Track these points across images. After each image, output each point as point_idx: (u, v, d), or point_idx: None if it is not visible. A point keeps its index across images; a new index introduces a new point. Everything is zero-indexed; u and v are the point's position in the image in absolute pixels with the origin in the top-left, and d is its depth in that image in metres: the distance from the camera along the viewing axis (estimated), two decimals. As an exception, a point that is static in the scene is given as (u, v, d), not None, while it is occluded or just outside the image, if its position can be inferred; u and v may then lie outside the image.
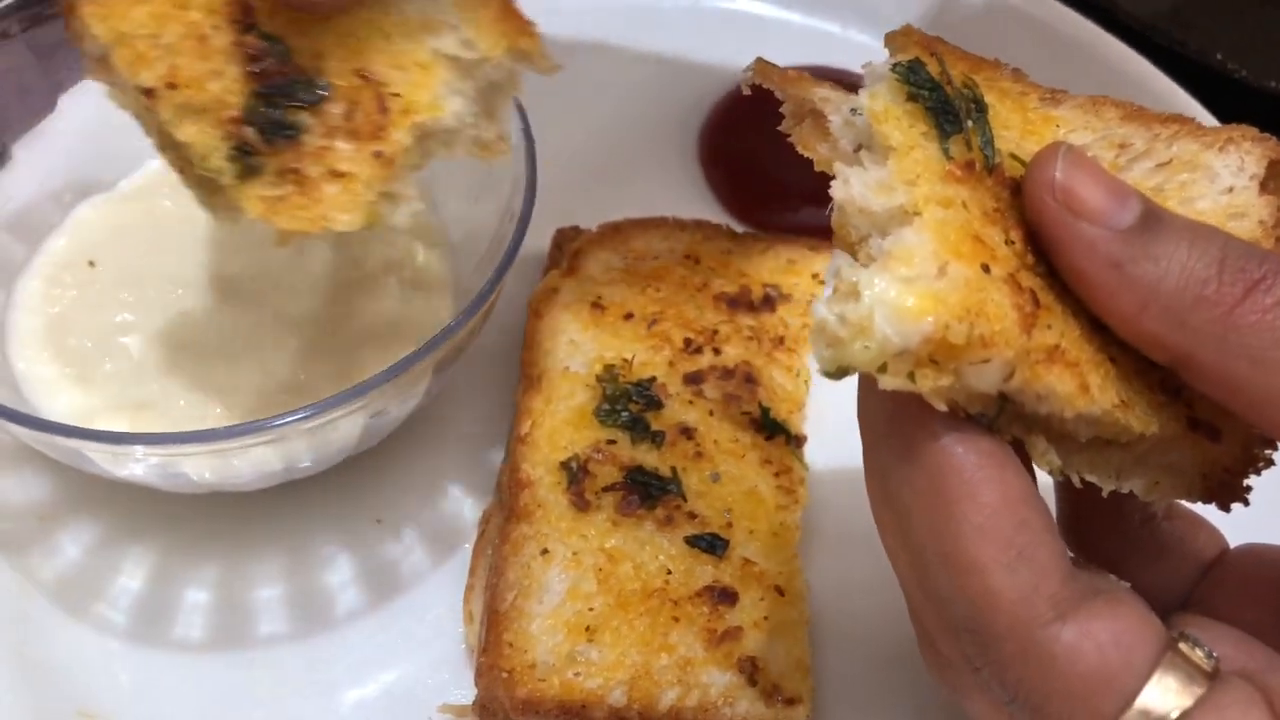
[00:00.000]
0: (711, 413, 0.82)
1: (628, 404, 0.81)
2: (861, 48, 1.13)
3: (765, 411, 0.82)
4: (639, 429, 0.80)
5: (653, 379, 0.82)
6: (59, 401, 0.73)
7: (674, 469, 0.78)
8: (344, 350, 0.77)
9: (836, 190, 0.51)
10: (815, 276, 0.90)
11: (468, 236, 0.85)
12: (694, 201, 1.01)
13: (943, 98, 0.52)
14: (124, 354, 0.75)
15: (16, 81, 0.79)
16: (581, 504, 0.76)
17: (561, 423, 0.80)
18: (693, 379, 0.83)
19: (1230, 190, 0.54)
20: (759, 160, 1.05)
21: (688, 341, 0.85)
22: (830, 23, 1.14)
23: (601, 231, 0.91)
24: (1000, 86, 0.57)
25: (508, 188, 0.80)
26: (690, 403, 0.82)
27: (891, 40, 0.56)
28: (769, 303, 0.88)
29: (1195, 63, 1.06)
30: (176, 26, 0.60)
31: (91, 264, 0.79)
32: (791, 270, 0.90)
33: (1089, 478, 0.53)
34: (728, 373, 0.84)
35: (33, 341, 0.75)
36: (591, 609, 0.72)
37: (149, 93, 0.59)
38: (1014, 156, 0.53)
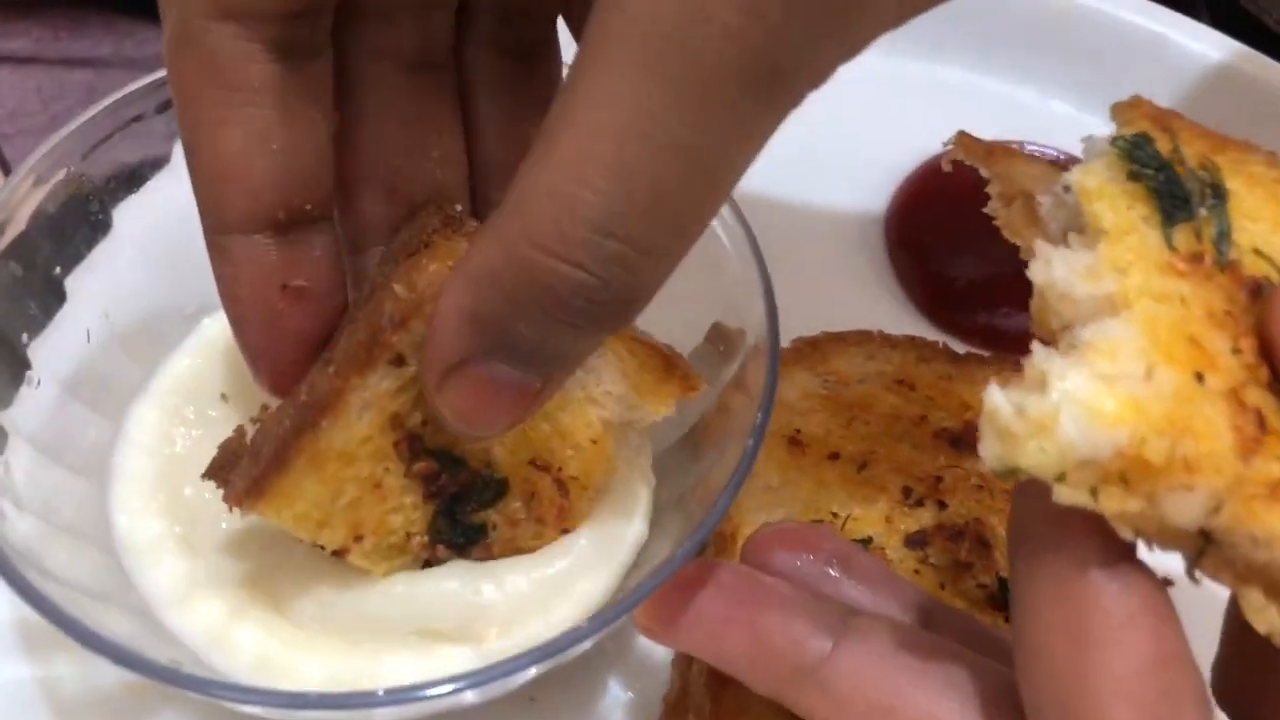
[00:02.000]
0: (942, 586, 0.68)
1: (840, 572, 0.67)
2: (1065, 119, 1.00)
3: (1003, 583, 0.68)
4: (857, 606, 0.66)
5: (869, 539, 0.69)
6: (159, 570, 0.60)
7: (903, 661, 0.64)
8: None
9: (1036, 272, 0.46)
10: (1054, 410, 0.76)
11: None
12: (881, 299, 0.88)
13: (1171, 178, 0.47)
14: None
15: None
16: (796, 705, 0.63)
17: (764, 596, 0.66)
18: (916, 541, 0.70)
19: None
20: (955, 250, 0.91)
21: (907, 491, 0.71)
22: (1028, 90, 1.01)
23: (796, 348, 0.78)
24: (1250, 172, 0.50)
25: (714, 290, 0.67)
26: (915, 571, 0.68)
27: (1118, 112, 0.52)
28: (999, 442, 0.74)
29: None
30: (350, 486, 0.57)
31: (224, 397, 0.67)
32: (1025, 401, 0.76)
33: None
34: (957, 533, 0.70)
35: (141, 490, 0.63)
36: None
37: (339, 553, 0.57)
38: (1259, 253, 0.47)
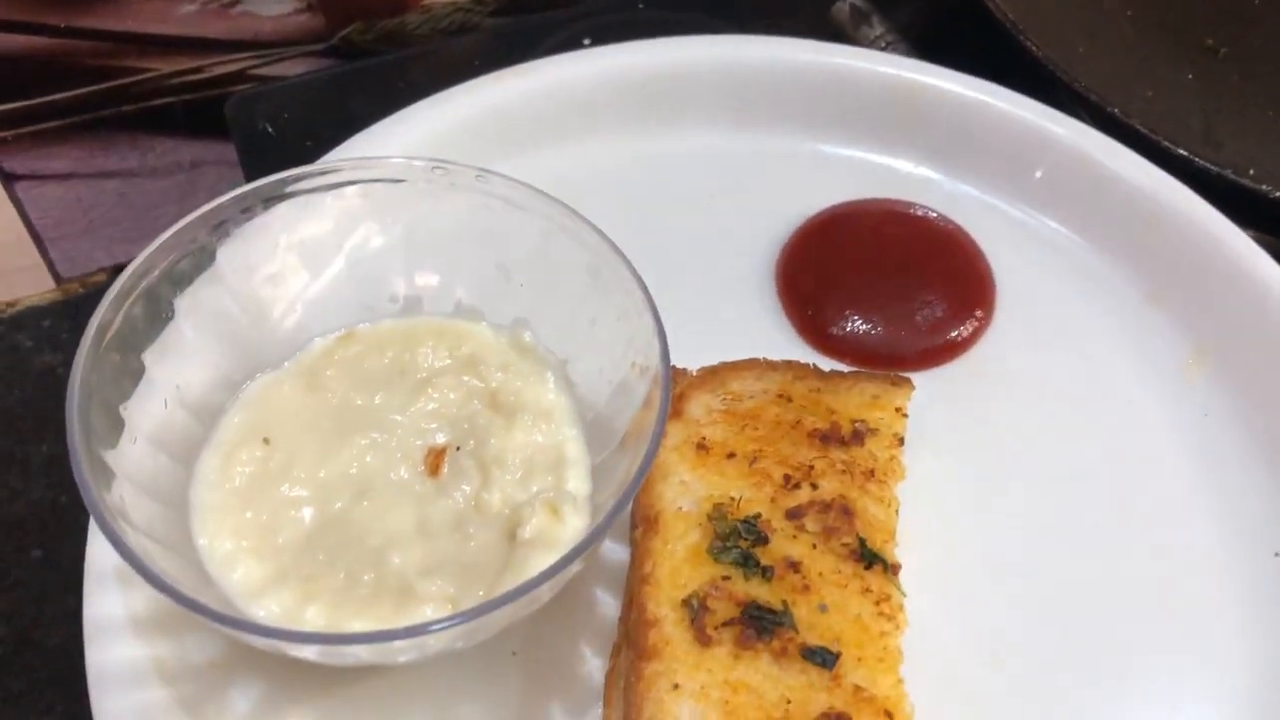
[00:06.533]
0: (814, 546, 0.89)
1: (737, 541, 0.89)
2: (921, 179, 1.23)
3: (862, 542, 0.90)
4: (750, 564, 0.88)
5: (758, 515, 0.90)
6: (236, 573, 0.81)
7: (784, 602, 0.86)
8: (496, 522, 0.85)
9: None
10: (898, 410, 0.98)
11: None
12: (773, 330, 1.12)
13: None
14: (295, 526, 0.83)
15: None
16: (704, 639, 0.84)
17: (680, 561, 0.88)
18: (794, 514, 0.91)
19: None
20: (828, 290, 1.14)
21: (787, 478, 0.93)
22: (890, 157, 1.24)
23: (701, 375, 1.00)
24: None
25: (626, 337, 0.90)
26: (794, 537, 0.90)
27: None
28: (858, 437, 0.96)
29: (1232, 184, 1.15)
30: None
31: (266, 441, 0.87)
32: (876, 405, 0.98)
33: None
34: (826, 506, 0.92)
35: (213, 517, 0.83)
36: (721, 739, 0.80)
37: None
38: None
